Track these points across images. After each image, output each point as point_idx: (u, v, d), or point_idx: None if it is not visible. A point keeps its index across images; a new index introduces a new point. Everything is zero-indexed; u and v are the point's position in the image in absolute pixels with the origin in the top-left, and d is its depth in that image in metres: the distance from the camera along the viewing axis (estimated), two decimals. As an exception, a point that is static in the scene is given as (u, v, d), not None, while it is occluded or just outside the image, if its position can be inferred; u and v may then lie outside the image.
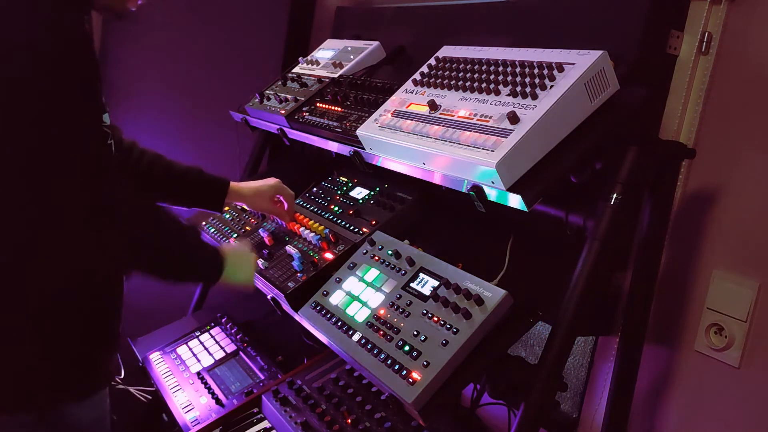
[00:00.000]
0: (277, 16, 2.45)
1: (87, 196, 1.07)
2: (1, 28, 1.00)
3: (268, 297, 1.47)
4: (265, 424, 1.59)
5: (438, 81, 1.31)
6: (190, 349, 1.99)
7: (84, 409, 1.17)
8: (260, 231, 1.67)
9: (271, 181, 1.66)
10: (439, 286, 1.17)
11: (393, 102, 1.37)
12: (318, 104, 1.70)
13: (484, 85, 1.21)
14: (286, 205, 1.66)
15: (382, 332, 1.16)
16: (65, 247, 1.10)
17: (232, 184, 1.63)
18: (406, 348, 1.10)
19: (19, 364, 1.10)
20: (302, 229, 1.57)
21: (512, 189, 1.04)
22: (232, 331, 2.02)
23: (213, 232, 1.82)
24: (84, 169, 1.06)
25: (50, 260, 1.09)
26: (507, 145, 1.03)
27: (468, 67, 1.29)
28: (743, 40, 1.20)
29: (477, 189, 1.09)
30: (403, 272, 1.25)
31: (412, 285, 1.22)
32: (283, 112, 1.76)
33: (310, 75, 1.88)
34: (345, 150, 1.47)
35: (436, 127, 1.19)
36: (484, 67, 1.25)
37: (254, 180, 1.68)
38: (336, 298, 1.30)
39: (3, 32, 1.00)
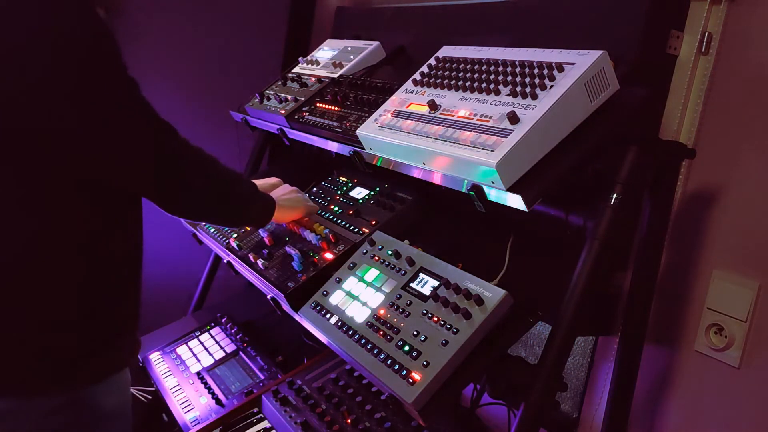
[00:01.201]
0: (277, 16, 2.45)
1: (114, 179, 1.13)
2: (34, 30, 1.01)
3: (268, 297, 1.47)
4: (265, 424, 1.59)
5: (438, 81, 1.31)
6: (190, 349, 1.99)
7: (106, 392, 1.17)
8: (260, 231, 1.67)
9: (273, 180, 1.66)
10: (439, 286, 1.17)
11: (393, 102, 1.37)
12: (318, 104, 1.70)
13: (484, 85, 1.21)
14: None
15: (382, 332, 1.16)
16: (89, 227, 1.12)
17: None
18: (406, 348, 1.10)
19: (42, 345, 1.11)
20: (302, 229, 1.57)
21: (512, 189, 1.04)
22: (232, 331, 2.03)
23: (213, 232, 1.81)
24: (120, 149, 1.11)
25: (75, 241, 1.11)
26: (507, 145, 1.03)
27: (468, 67, 1.29)
28: (743, 40, 1.20)
29: (477, 189, 1.09)
30: (403, 272, 1.25)
31: (412, 285, 1.22)
32: (283, 112, 1.76)
33: (310, 75, 1.88)
34: (345, 150, 1.47)
35: (436, 127, 1.19)
36: (484, 67, 1.25)
37: (255, 179, 1.68)
38: (336, 298, 1.30)
39: (38, 34, 1.01)
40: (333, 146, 1.55)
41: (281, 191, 1.58)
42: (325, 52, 1.98)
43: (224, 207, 1.36)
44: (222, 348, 1.96)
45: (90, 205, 1.11)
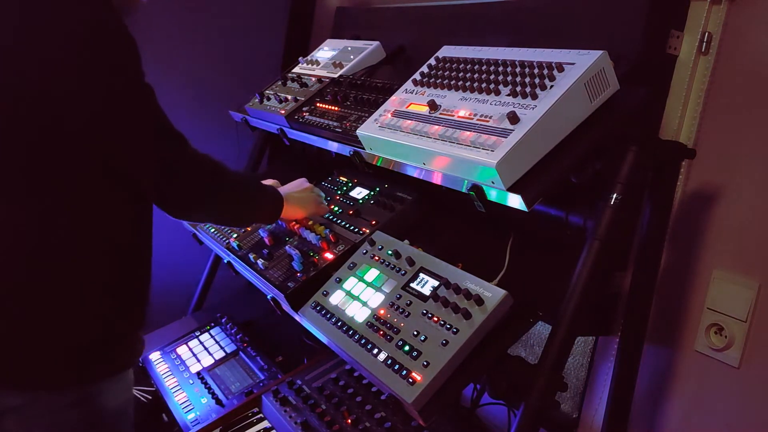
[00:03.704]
0: (277, 16, 2.45)
1: (131, 177, 1.16)
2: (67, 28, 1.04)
3: (268, 297, 1.47)
4: (265, 424, 1.59)
5: (438, 81, 1.31)
6: (190, 349, 2.00)
7: (113, 390, 1.18)
8: (260, 231, 1.67)
9: (270, 182, 1.66)
10: (439, 286, 1.17)
11: (393, 102, 1.37)
12: (318, 104, 1.70)
13: (484, 85, 1.21)
14: None
15: (382, 332, 1.16)
16: (107, 225, 1.14)
17: None
18: (406, 348, 1.10)
19: (66, 339, 1.11)
20: (302, 229, 1.57)
21: (512, 189, 1.04)
22: (232, 331, 2.03)
23: (213, 232, 1.81)
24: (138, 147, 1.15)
25: (93, 239, 1.13)
26: (507, 145, 1.03)
27: (468, 67, 1.29)
28: (743, 40, 1.20)
29: (477, 189, 1.09)
30: (403, 272, 1.25)
31: (412, 285, 1.22)
32: (283, 112, 1.76)
33: (310, 75, 1.88)
34: (345, 150, 1.47)
35: (436, 127, 1.19)
36: (484, 67, 1.25)
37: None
38: (336, 298, 1.30)
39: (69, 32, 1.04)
40: (333, 146, 1.55)
41: (293, 187, 1.58)
42: (325, 52, 1.98)
43: (233, 212, 1.41)
44: (222, 348, 1.96)
45: (116, 204, 1.15)
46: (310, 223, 1.59)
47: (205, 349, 1.98)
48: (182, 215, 1.33)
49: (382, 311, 1.20)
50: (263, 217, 1.49)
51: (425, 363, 1.05)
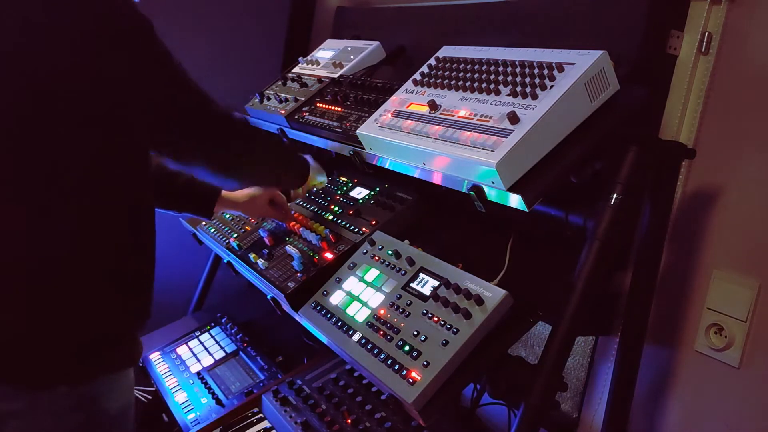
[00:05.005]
0: (277, 16, 2.45)
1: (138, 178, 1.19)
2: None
3: (268, 297, 1.47)
4: (265, 424, 1.59)
5: (438, 81, 1.31)
6: (190, 349, 2.00)
7: (114, 392, 1.18)
8: (260, 231, 1.67)
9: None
10: (439, 286, 1.17)
11: (393, 102, 1.37)
12: (318, 104, 1.70)
13: (484, 85, 1.21)
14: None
15: (382, 332, 1.16)
16: (111, 220, 1.14)
17: (224, 193, 1.62)
18: (406, 348, 1.10)
19: (57, 336, 1.11)
20: (302, 229, 1.57)
21: (512, 189, 1.04)
22: (232, 331, 2.03)
23: (213, 232, 1.81)
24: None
25: (97, 234, 1.13)
26: (507, 145, 1.03)
27: (468, 67, 1.29)
28: (743, 40, 1.20)
29: (477, 189, 1.09)
30: (403, 272, 1.25)
31: (412, 285, 1.22)
32: (283, 112, 1.76)
33: (310, 75, 1.88)
34: (345, 150, 1.47)
35: (437, 127, 1.19)
36: (484, 67, 1.25)
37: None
38: (336, 298, 1.30)
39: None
40: (333, 146, 1.55)
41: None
42: (325, 52, 1.97)
43: (271, 165, 1.48)
44: (222, 348, 1.96)
45: (120, 201, 1.14)
46: (311, 222, 1.60)
47: (205, 349, 1.98)
48: (227, 171, 1.38)
49: (382, 311, 1.20)
50: (295, 174, 1.57)
51: (425, 363, 1.05)
